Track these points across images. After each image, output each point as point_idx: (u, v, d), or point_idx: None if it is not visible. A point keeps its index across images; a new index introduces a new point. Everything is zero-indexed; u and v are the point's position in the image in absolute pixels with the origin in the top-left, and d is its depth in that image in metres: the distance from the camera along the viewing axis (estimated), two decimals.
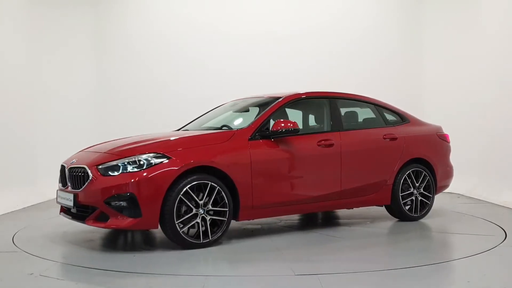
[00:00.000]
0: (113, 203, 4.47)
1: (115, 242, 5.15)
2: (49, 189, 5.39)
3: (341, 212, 6.74)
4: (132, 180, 4.44)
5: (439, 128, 6.61)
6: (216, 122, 5.89)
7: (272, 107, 5.41)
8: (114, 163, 4.60)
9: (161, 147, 4.75)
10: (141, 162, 4.54)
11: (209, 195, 4.70)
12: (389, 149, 5.93)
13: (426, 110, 9.16)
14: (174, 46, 9.65)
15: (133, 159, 4.57)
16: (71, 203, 4.76)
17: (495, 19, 8.21)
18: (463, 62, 9.11)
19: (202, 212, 4.65)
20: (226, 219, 4.77)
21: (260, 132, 5.14)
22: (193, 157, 4.68)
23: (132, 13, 9.82)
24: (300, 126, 5.56)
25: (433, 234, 5.42)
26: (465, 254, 4.46)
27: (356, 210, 6.81)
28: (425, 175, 6.10)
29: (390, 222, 6.05)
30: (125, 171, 4.52)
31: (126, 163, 4.55)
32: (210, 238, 4.70)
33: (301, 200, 5.33)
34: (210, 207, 4.69)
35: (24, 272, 3.99)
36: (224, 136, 5.03)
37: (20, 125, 8.39)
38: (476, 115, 8.62)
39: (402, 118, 6.31)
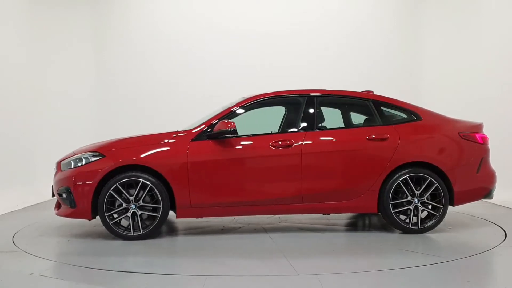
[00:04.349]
0: (63, 195, 5.16)
1: (114, 242, 5.14)
2: (48, 189, 5.44)
3: (347, 216, 6.72)
4: (70, 175, 5.10)
5: (469, 127, 5.62)
6: None
7: (227, 109, 5.42)
8: (68, 160, 5.25)
9: (100, 146, 5.24)
10: (83, 160, 5.13)
11: (145, 192, 5.05)
12: (374, 151, 5.28)
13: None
14: (175, 45, 9.66)
15: (79, 157, 5.17)
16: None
17: (495, 16, 8.21)
18: (463, 60, 9.09)
19: (134, 207, 5.03)
20: (159, 215, 5.06)
21: (206, 133, 5.22)
22: (124, 156, 5.08)
23: (132, 13, 9.82)
24: (255, 126, 5.53)
25: (433, 234, 5.41)
26: (465, 254, 4.45)
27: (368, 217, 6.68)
28: (431, 182, 5.26)
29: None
30: (73, 167, 5.15)
31: (76, 160, 5.16)
32: (141, 232, 5.07)
33: (250, 202, 5.19)
34: (141, 203, 5.04)
35: (24, 272, 3.99)
36: (166, 136, 5.27)
37: (20, 125, 8.39)
38: (476, 114, 8.55)
39: (413, 115, 5.54)
